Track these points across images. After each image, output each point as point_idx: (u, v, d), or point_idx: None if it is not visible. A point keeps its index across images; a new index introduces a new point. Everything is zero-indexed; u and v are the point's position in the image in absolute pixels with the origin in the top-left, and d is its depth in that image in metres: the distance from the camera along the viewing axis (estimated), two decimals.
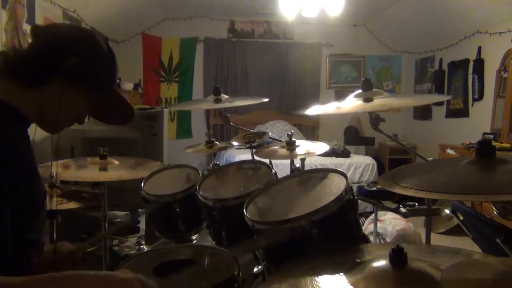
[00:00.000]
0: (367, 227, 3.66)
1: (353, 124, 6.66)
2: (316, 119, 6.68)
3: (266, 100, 2.22)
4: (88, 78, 1.02)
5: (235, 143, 2.46)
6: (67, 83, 1.00)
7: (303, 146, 2.08)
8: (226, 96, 2.14)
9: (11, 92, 0.96)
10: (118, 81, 1.15)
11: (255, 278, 1.42)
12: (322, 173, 1.48)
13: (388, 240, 3.48)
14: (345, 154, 5.46)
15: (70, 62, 0.98)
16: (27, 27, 3.26)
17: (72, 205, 2.00)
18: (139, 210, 4.14)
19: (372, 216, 3.41)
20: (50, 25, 1.13)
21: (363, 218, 4.02)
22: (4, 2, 3.05)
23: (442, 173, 1.10)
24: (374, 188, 3.10)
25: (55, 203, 1.88)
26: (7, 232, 0.86)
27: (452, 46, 5.51)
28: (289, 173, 1.76)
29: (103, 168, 2.08)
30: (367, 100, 1.47)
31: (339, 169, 1.43)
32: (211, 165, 2.14)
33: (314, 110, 1.62)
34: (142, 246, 3.19)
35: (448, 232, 4.20)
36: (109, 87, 1.10)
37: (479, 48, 4.96)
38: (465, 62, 5.24)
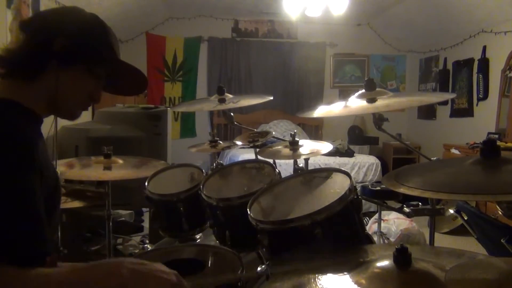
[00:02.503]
0: (371, 226, 3.66)
1: (357, 123, 6.65)
2: (320, 118, 6.67)
3: (270, 98, 2.22)
4: (81, 53, 1.00)
5: (238, 143, 2.46)
6: (63, 65, 0.98)
7: (307, 145, 2.08)
8: (230, 96, 2.14)
9: (15, 92, 0.96)
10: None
11: (259, 278, 1.42)
12: (325, 173, 1.47)
13: (392, 240, 3.47)
14: (349, 154, 5.46)
15: (57, 44, 0.96)
16: None
17: (76, 204, 2.01)
18: (143, 209, 4.16)
19: (376, 215, 3.41)
20: (33, 15, 1.09)
21: (367, 217, 4.02)
22: (9, 1, 3.07)
23: (447, 173, 1.09)
24: (378, 188, 3.10)
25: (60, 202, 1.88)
26: (46, 228, 0.88)
27: (457, 45, 5.49)
28: (292, 173, 1.76)
29: (107, 167, 2.09)
30: (371, 100, 1.46)
31: (343, 169, 1.43)
32: (214, 164, 2.14)
33: (316, 112, 1.62)
34: (146, 245, 3.21)
35: (452, 232, 4.19)
36: (110, 56, 1.07)
37: (484, 48, 4.93)
38: (470, 61, 5.22)
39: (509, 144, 4.09)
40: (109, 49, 1.06)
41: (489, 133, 4.56)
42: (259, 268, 1.38)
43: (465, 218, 2.61)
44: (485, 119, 4.90)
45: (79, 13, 1.05)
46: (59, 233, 2.17)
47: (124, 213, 3.95)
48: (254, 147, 2.31)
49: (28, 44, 0.98)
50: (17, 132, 0.88)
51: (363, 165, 5.22)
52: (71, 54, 0.98)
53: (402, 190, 0.99)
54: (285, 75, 6.73)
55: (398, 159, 6.07)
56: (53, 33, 0.98)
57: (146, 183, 2.04)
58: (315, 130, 6.76)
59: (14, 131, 0.87)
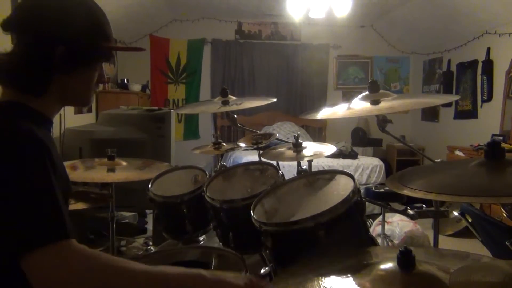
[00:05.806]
0: (375, 229, 3.65)
1: (360, 125, 6.64)
2: (323, 120, 6.65)
3: (273, 100, 2.22)
4: (82, 57, 1.00)
5: (242, 144, 2.46)
6: (67, 72, 0.98)
7: (310, 147, 2.08)
8: (233, 98, 2.14)
9: (24, 97, 0.96)
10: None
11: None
12: (329, 175, 1.47)
13: (395, 242, 3.46)
14: (353, 156, 5.45)
15: (57, 54, 0.95)
16: None
17: (80, 205, 2.01)
18: (147, 211, 4.16)
19: (380, 218, 3.40)
20: (18, 13, 0.98)
21: (371, 220, 4.01)
22: (14, 2, 3.08)
23: (451, 175, 1.09)
24: (382, 190, 3.09)
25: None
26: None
27: (461, 47, 5.47)
28: (296, 175, 1.76)
29: (111, 169, 2.09)
30: (375, 102, 1.46)
31: (346, 171, 1.42)
32: (218, 166, 2.14)
33: (319, 114, 1.62)
34: (149, 247, 3.21)
35: (457, 234, 4.17)
36: (107, 45, 1.05)
37: (488, 49, 4.92)
38: (474, 63, 5.21)
39: None
40: (106, 39, 1.04)
41: (493, 135, 4.54)
42: (262, 270, 1.38)
43: (469, 220, 2.60)
44: (489, 121, 4.88)
45: (65, 8, 0.98)
46: None
47: (127, 215, 3.95)
48: (258, 149, 2.31)
49: (28, 58, 0.95)
50: (33, 135, 0.87)
51: (367, 167, 5.20)
52: (73, 61, 0.98)
53: (406, 192, 0.99)
54: (289, 77, 6.73)
55: (401, 161, 6.06)
56: (51, 43, 0.95)
57: (149, 185, 2.04)
58: (319, 132, 6.76)
59: (29, 133, 0.87)
